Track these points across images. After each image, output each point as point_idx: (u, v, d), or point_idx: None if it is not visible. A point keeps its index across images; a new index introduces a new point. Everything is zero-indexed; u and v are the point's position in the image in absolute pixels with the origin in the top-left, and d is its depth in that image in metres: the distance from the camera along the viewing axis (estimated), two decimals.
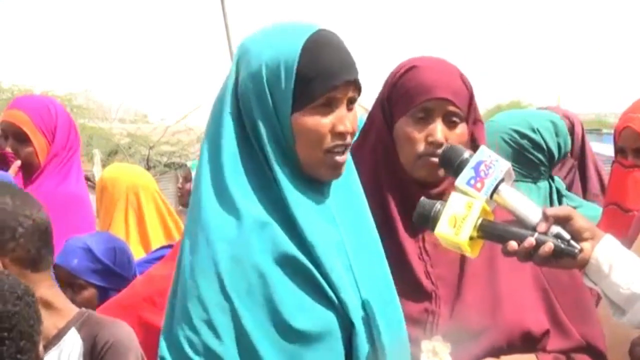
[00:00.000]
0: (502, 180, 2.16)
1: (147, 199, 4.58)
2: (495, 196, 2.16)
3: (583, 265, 2.15)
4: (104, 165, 14.83)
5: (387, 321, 2.18)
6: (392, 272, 2.32)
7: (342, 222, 2.18)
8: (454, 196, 2.15)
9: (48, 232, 2.34)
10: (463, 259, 2.43)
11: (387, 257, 2.27)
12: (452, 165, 2.20)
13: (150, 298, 2.75)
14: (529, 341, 2.44)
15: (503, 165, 2.16)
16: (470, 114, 2.55)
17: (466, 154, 2.20)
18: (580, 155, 4.11)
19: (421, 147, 2.48)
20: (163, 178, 19.79)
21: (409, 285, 2.43)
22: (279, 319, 2.05)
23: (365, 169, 2.43)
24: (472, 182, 2.15)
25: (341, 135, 2.13)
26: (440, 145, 2.45)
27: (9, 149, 3.71)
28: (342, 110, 2.14)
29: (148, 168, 20.31)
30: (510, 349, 2.43)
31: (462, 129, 2.52)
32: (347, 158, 2.18)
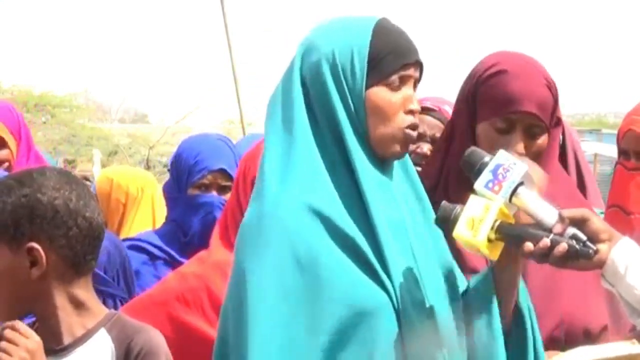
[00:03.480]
0: (521, 184, 2.16)
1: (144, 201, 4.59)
2: (514, 199, 2.15)
3: (600, 266, 2.14)
4: (103, 166, 14.83)
5: (445, 304, 2.20)
6: (453, 255, 2.35)
7: (403, 203, 2.23)
8: (472, 199, 2.16)
9: (99, 239, 2.34)
10: None
11: (450, 240, 2.27)
12: (473, 168, 2.20)
13: (182, 296, 2.71)
14: (587, 334, 2.45)
15: (521, 169, 2.16)
16: (552, 119, 2.55)
17: (487, 158, 2.19)
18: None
19: None
20: (163, 178, 19.81)
21: (467, 268, 2.44)
22: (334, 296, 2.08)
23: (452, 160, 2.52)
24: (490, 185, 2.16)
25: (411, 112, 2.20)
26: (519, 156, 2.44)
27: None
28: (410, 89, 2.21)
29: (147, 168, 20.35)
30: (569, 340, 2.42)
31: (543, 139, 2.54)
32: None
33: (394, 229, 2.18)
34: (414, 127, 2.20)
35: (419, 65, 2.22)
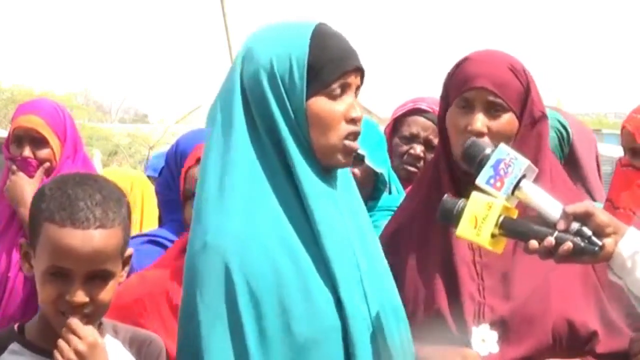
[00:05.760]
0: (523, 176, 2.17)
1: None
2: (516, 192, 2.17)
3: (606, 260, 2.15)
4: (104, 166, 14.84)
5: (392, 319, 2.19)
6: (439, 260, 2.38)
7: (348, 214, 2.21)
8: (474, 196, 2.16)
9: None
10: (514, 249, 2.42)
11: (435, 244, 2.27)
12: (474, 161, 2.21)
13: (141, 300, 2.65)
14: (575, 339, 2.44)
15: (522, 163, 2.17)
16: (526, 108, 2.55)
17: (488, 149, 2.21)
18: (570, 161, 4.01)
19: (464, 136, 2.49)
20: None
21: (456, 273, 2.45)
22: (285, 324, 2.07)
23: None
24: (492, 181, 2.17)
25: (354, 121, 2.17)
26: (478, 134, 2.47)
27: (26, 154, 3.71)
28: (352, 97, 2.18)
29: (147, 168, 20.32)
30: (556, 343, 2.43)
31: (506, 119, 2.53)
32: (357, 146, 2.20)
33: (339, 242, 2.14)
34: (355, 135, 2.18)
35: (359, 71, 2.18)
